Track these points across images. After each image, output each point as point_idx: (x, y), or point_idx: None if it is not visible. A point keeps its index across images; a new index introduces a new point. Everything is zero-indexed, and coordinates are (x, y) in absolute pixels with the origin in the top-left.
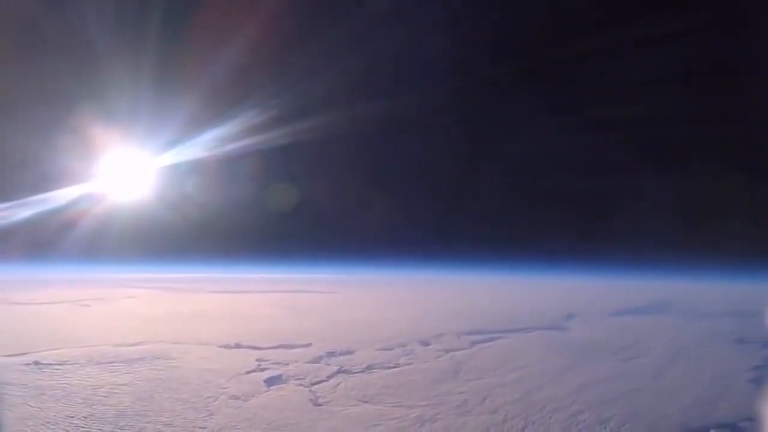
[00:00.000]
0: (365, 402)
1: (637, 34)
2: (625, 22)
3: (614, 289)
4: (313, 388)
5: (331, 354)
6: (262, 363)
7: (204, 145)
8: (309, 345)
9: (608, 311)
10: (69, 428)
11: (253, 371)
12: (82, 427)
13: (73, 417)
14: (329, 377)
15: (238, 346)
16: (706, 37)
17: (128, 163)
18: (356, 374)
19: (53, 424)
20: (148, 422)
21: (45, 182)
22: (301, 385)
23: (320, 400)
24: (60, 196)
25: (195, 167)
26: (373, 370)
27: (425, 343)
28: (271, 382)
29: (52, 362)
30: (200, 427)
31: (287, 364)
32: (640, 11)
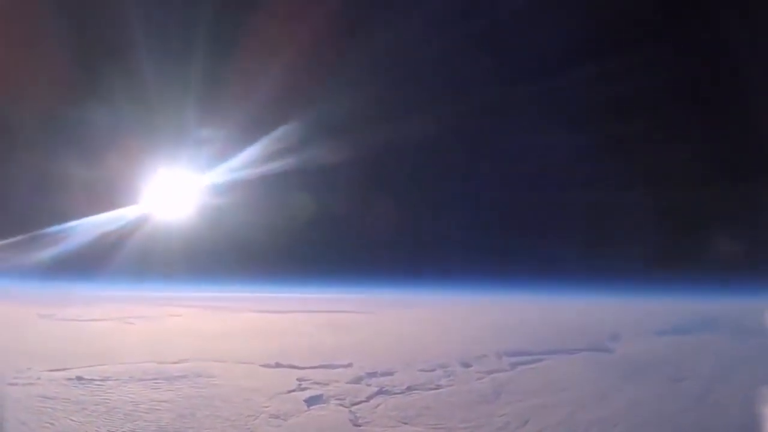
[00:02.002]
0: (405, 423)
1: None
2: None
3: (658, 308)
4: (353, 408)
5: (371, 374)
6: (303, 382)
7: (247, 164)
8: (349, 365)
9: (653, 331)
10: None
11: (294, 390)
12: None
13: None
14: (369, 398)
15: (278, 365)
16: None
17: (173, 183)
18: (397, 395)
19: None
20: None
21: (92, 203)
22: (341, 405)
23: (360, 421)
24: (108, 217)
25: (237, 186)
26: (414, 391)
27: (466, 365)
28: (311, 401)
29: (95, 378)
30: None
31: (327, 384)
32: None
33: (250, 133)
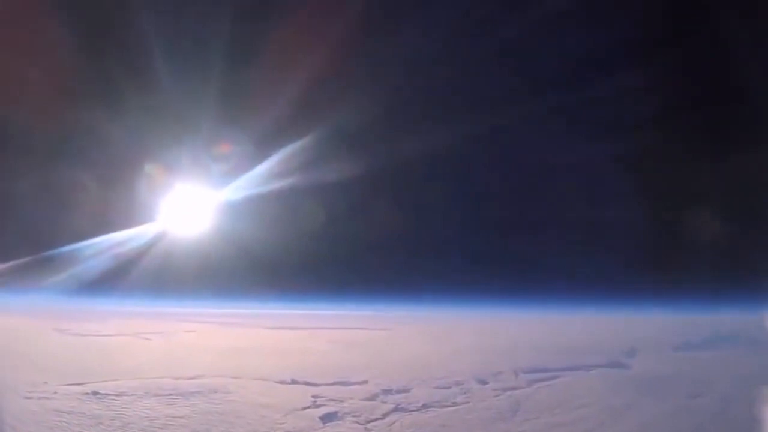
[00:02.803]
0: None
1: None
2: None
3: (676, 323)
4: (369, 425)
5: (387, 391)
6: (318, 399)
7: (261, 179)
8: (365, 382)
9: (670, 346)
10: None
11: (309, 407)
12: None
13: None
14: (385, 415)
15: (294, 381)
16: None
17: (187, 198)
18: (412, 412)
19: None
20: None
21: (107, 220)
22: (356, 422)
23: None
24: (123, 234)
25: (250, 202)
26: (430, 409)
27: (482, 382)
28: (326, 418)
29: (111, 393)
30: None
31: (343, 401)
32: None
33: (263, 148)
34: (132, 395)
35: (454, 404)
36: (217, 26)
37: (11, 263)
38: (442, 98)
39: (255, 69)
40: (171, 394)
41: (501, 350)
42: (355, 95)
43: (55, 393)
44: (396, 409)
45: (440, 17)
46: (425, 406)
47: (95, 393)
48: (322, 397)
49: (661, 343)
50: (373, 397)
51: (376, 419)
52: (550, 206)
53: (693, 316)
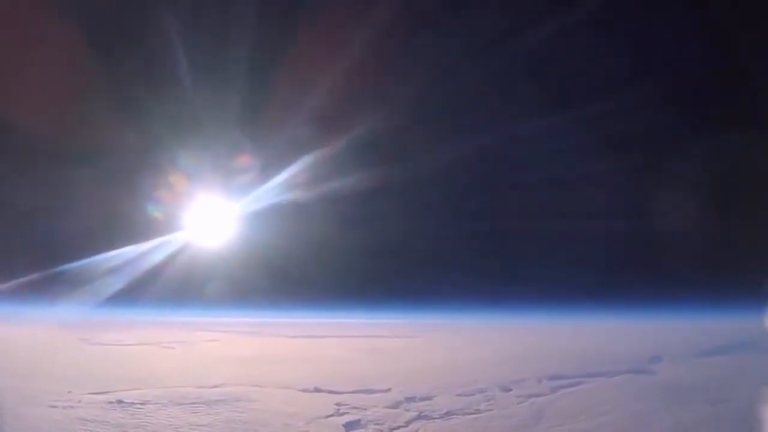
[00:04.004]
0: None
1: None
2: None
3: (700, 329)
4: None
5: (410, 399)
6: (341, 407)
7: (282, 189)
8: (388, 390)
9: (694, 352)
10: None
11: (332, 415)
12: None
13: None
14: (408, 423)
15: (317, 389)
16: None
17: (210, 210)
18: (436, 420)
19: None
20: None
21: (132, 231)
22: (379, 430)
23: None
24: (145, 245)
25: (273, 213)
26: (453, 416)
27: (506, 389)
28: (350, 426)
29: (135, 401)
30: None
31: (366, 409)
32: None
33: (284, 159)
34: (156, 404)
35: (477, 411)
36: (239, 37)
37: (35, 275)
38: (462, 108)
39: (275, 79)
40: (194, 403)
41: (524, 357)
42: (374, 105)
43: (80, 402)
44: (419, 417)
45: (457, 30)
46: (448, 414)
47: (119, 402)
48: (346, 405)
49: (683, 349)
50: (396, 405)
51: (399, 427)
52: (572, 216)
53: (715, 322)
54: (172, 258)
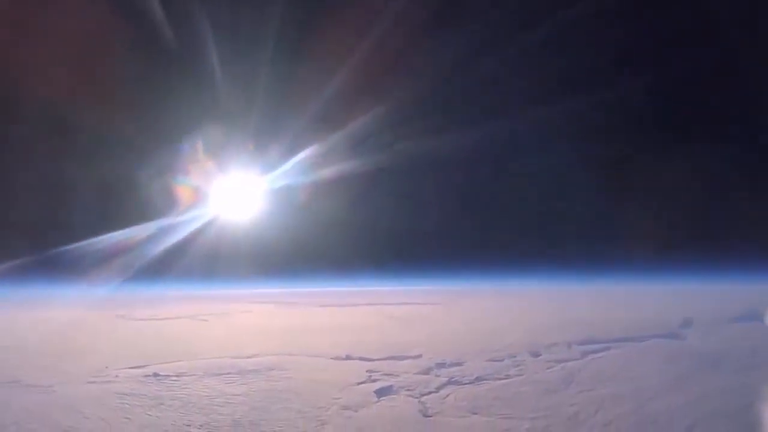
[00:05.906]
0: (475, 413)
1: None
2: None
3: (732, 294)
4: (423, 399)
5: (440, 365)
6: (373, 374)
7: (313, 165)
8: (419, 356)
9: (727, 317)
10: None
11: (364, 382)
12: None
13: (189, 426)
14: (439, 388)
15: (349, 357)
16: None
17: (240, 185)
18: (466, 385)
19: None
20: (262, 431)
21: (162, 206)
22: (411, 396)
23: (430, 411)
24: (178, 220)
25: (304, 185)
26: (483, 382)
27: (536, 354)
28: (381, 393)
29: (171, 374)
30: None
31: (397, 376)
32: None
33: (314, 136)
34: (191, 375)
35: (507, 377)
36: (264, 28)
37: (71, 252)
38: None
39: (301, 63)
40: (229, 373)
41: (553, 323)
42: (399, 91)
43: (117, 376)
44: (450, 382)
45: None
46: (479, 379)
47: (155, 375)
48: (377, 371)
49: (713, 315)
50: (427, 371)
51: (430, 392)
52: (611, 187)
53: (746, 287)
54: (202, 232)
